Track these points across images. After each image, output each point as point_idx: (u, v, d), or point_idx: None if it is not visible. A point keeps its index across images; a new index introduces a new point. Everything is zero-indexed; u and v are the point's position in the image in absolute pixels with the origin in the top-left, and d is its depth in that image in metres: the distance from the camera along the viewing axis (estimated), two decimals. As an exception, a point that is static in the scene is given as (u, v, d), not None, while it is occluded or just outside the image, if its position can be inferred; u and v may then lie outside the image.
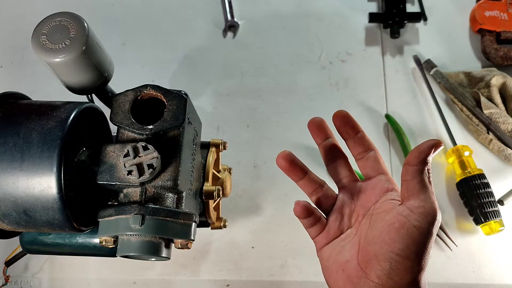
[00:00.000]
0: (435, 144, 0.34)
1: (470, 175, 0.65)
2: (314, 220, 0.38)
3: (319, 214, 0.39)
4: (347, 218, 0.38)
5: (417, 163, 0.34)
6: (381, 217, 0.35)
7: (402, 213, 0.33)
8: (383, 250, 0.33)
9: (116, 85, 0.52)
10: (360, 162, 0.38)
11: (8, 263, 0.60)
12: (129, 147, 0.40)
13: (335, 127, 0.38)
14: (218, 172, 0.57)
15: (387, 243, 0.33)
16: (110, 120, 0.43)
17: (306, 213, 0.38)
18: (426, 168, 0.34)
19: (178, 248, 0.43)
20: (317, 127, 0.39)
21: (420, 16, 0.77)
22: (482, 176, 0.65)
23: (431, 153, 0.34)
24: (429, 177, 0.34)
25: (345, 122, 0.38)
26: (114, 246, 0.42)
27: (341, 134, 0.38)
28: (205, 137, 0.54)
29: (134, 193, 0.41)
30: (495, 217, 0.63)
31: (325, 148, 0.39)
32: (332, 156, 0.39)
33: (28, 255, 0.58)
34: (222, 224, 0.57)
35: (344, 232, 0.38)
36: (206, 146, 0.54)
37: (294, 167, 0.38)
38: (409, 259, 0.32)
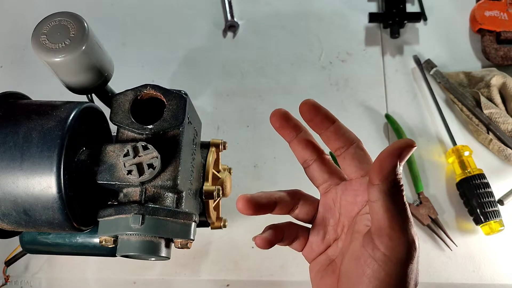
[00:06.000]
0: (400, 150, 0.25)
1: (470, 175, 0.65)
2: (290, 240, 0.34)
3: (294, 231, 0.34)
4: (333, 229, 0.33)
5: (379, 179, 0.25)
6: (354, 242, 0.29)
7: (367, 247, 0.27)
8: None
9: (116, 85, 0.52)
10: (340, 160, 0.31)
11: (8, 263, 0.60)
12: (129, 147, 0.40)
13: (304, 121, 0.31)
14: (218, 172, 0.57)
15: (355, 283, 0.27)
16: (110, 119, 0.43)
17: (269, 244, 0.32)
18: (393, 183, 0.25)
19: (178, 248, 0.43)
20: (284, 120, 0.32)
21: (420, 16, 0.77)
22: (482, 176, 0.65)
23: (398, 164, 0.25)
24: (400, 194, 0.26)
25: (315, 112, 0.30)
26: (114, 245, 0.42)
27: (313, 127, 0.31)
28: (205, 137, 0.54)
29: (134, 192, 0.41)
30: (495, 217, 0.63)
31: (296, 147, 0.33)
32: (307, 156, 0.33)
33: (28, 255, 0.58)
34: (222, 224, 0.57)
35: (331, 245, 0.33)
36: (206, 146, 0.54)
37: (259, 208, 0.32)
38: None
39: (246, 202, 0.31)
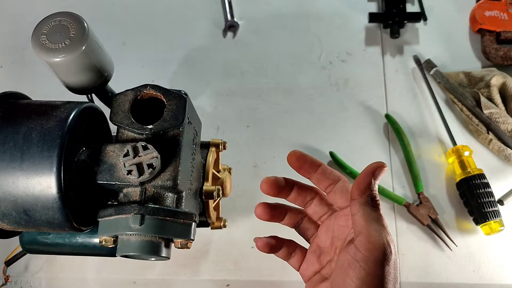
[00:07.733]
0: (373, 170, 0.31)
1: (470, 175, 0.65)
2: (288, 252, 0.38)
3: (293, 246, 0.38)
4: (327, 251, 0.36)
5: (358, 194, 0.31)
6: (341, 254, 0.33)
7: (349, 252, 0.31)
8: None
9: (116, 85, 0.52)
10: (330, 196, 0.36)
11: (8, 263, 0.60)
12: (129, 147, 0.40)
13: (294, 169, 0.36)
14: (218, 172, 0.57)
15: (340, 286, 0.31)
16: (110, 119, 0.43)
17: (268, 248, 0.37)
18: (370, 198, 0.31)
19: (178, 248, 0.43)
20: (277, 189, 0.36)
21: (420, 16, 0.77)
22: (482, 176, 0.65)
23: (372, 181, 0.31)
24: (376, 207, 0.31)
25: (302, 161, 0.35)
26: (114, 245, 0.42)
27: (303, 173, 0.36)
28: (205, 137, 0.54)
29: (134, 192, 0.41)
30: (495, 217, 0.63)
31: (296, 198, 0.37)
32: (308, 198, 0.37)
33: (28, 255, 0.58)
34: (222, 224, 0.57)
35: (325, 266, 0.36)
36: (206, 146, 0.54)
37: (274, 213, 0.37)
38: None
39: (263, 210, 0.37)
